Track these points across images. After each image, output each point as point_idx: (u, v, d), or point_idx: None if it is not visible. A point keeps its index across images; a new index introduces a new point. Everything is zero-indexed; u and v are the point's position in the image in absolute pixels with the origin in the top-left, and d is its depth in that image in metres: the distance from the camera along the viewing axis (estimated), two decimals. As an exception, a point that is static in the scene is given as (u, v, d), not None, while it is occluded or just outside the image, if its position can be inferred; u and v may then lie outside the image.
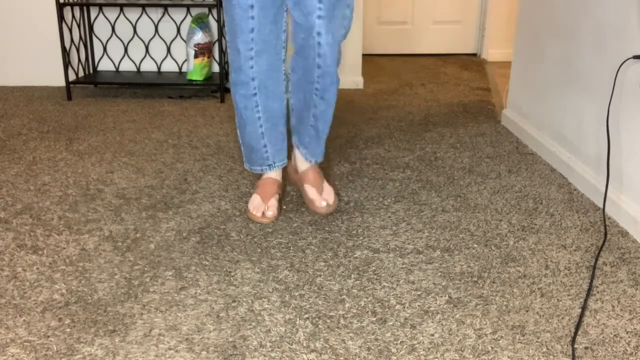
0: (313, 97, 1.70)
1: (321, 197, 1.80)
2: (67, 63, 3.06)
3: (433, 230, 1.72)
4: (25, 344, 1.21)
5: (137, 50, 3.40)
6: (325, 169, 2.16)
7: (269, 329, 1.26)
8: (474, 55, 4.56)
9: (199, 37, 3.13)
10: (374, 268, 1.51)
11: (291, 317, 1.31)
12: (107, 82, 3.16)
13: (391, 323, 1.29)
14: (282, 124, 1.80)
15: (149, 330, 1.25)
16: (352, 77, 3.44)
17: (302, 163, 1.85)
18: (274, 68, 1.71)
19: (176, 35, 3.35)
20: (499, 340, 1.24)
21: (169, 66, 3.43)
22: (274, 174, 1.85)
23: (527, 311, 1.34)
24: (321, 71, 1.64)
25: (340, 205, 1.88)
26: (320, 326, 1.28)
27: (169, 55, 3.40)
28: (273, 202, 1.78)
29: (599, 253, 1.57)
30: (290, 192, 1.97)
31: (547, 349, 1.21)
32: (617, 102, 1.79)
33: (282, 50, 1.72)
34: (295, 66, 1.70)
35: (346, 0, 1.63)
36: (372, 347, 1.21)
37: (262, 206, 1.77)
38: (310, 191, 1.82)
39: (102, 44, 3.38)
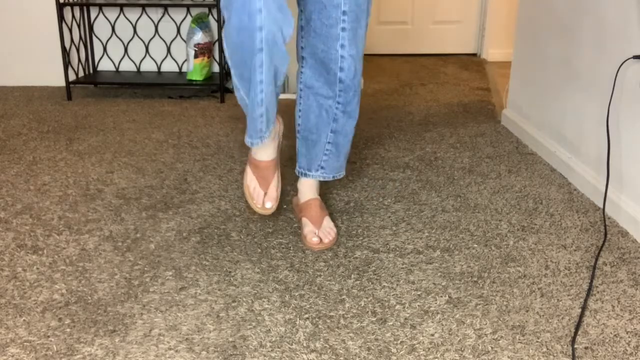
0: (334, 110, 1.60)
1: (316, 233, 1.63)
2: (67, 63, 3.06)
3: (433, 230, 1.72)
4: (25, 344, 1.21)
5: (137, 50, 3.40)
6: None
7: (269, 329, 1.26)
8: (474, 55, 4.56)
9: (199, 37, 3.13)
10: (374, 268, 1.51)
11: (291, 317, 1.31)
12: (107, 82, 3.16)
13: (391, 323, 1.29)
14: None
15: (149, 330, 1.25)
16: (352, 77, 3.43)
17: (306, 193, 1.74)
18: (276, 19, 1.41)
19: (176, 35, 3.35)
20: (499, 340, 1.24)
21: (169, 66, 3.43)
22: (270, 148, 1.60)
23: (527, 311, 1.34)
24: (344, 85, 1.56)
25: (340, 205, 1.88)
26: (320, 326, 1.28)
27: (169, 55, 3.40)
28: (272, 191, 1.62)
29: (599, 253, 1.57)
30: (290, 192, 1.97)
31: (547, 349, 1.21)
32: (617, 102, 1.79)
33: None
34: (308, 82, 1.61)
35: (369, 11, 1.56)
36: (372, 347, 1.21)
37: (261, 194, 1.61)
38: (307, 227, 1.66)
39: (102, 44, 3.38)
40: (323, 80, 1.58)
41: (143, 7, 3.20)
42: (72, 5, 3.06)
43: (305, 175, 1.74)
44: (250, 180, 1.62)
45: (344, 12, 1.49)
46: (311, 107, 1.63)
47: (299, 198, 1.77)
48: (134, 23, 3.34)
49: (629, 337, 1.25)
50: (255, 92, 1.43)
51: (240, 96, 1.50)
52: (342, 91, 1.57)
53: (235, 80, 1.47)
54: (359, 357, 1.18)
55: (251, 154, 1.62)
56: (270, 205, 1.60)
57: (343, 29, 1.50)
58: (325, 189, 1.99)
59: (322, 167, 1.71)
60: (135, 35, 3.37)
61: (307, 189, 1.75)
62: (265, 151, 1.59)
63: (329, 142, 1.66)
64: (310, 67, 1.59)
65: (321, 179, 1.74)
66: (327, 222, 1.68)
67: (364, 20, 1.54)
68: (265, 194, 1.60)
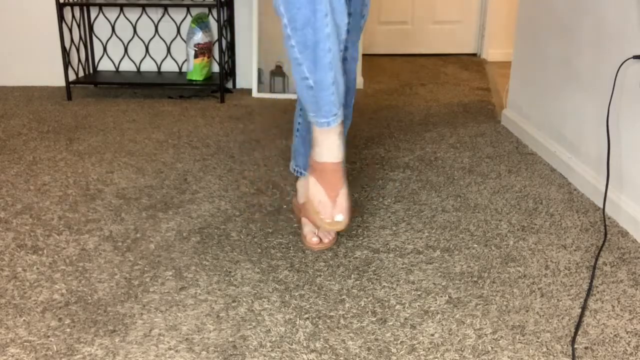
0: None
1: (316, 233, 1.59)
2: (67, 63, 3.06)
3: (433, 230, 1.72)
4: (25, 344, 1.21)
5: (137, 50, 3.40)
6: (325, 169, 2.16)
7: (269, 329, 1.26)
8: (474, 55, 4.56)
9: (199, 37, 3.13)
10: (374, 268, 1.51)
11: (291, 317, 1.31)
12: (107, 82, 3.16)
13: (391, 323, 1.29)
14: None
15: (149, 330, 1.25)
16: (352, 77, 3.44)
17: (304, 194, 1.62)
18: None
19: (176, 35, 3.35)
20: (499, 340, 1.24)
21: (169, 66, 3.43)
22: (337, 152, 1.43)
23: (527, 311, 1.34)
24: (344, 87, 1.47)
25: (340, 205, 1.88)
26: (320, 326, 1.28)
27: (169, 55, 3.40)
28: (341, 201, 1.42)
29: (599, 253, 1.57)
30: (290, 191, 1.97)
31: (547, 349, 1.21)
32: (617, 102, 1.79)
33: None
34: None
35: (363, 12, 1.53)
36: (372, 347, 1.21)
37: (329, 205, 1.41)
38: (306, 227, 1.62)
39: (102, 44, 3.38)
40: None
41: (143, 7, 3.20)
42: (72, 5, 3.06)
43: (302, 174, 1.71)
44: (316, 191, 1.42)
45: (349, 14, 1.44)
46: None
47: (297, 198, 1.76)
48: (134, 23, 3.34)
49: (629, 337, 1.25)
50: (324, 53, 1.29)
51: (302, 76, 1.34)
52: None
53: (297, 54, 1.32)
54: (359, 357, 1.18)
55: (314, 158, 1.44)
56: (341, 218, 1.41)
57: (347, 31, 1.45)
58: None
59: None
60: (135, 35, 3.37)
61: (306, 189, 1.73)
62: (332, 149, 1.41)
63: None
64: None
65: None
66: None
67: (360, 24, 1.55)
68: (335, 204, 1.42)
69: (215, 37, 3.30)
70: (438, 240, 1.65)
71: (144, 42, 3.38)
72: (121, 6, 3.16)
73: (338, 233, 1.68)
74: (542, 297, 1.39)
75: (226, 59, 3.31)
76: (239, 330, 1.26)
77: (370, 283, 1.44)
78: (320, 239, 1.60)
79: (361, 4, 1.53)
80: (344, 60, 1.50)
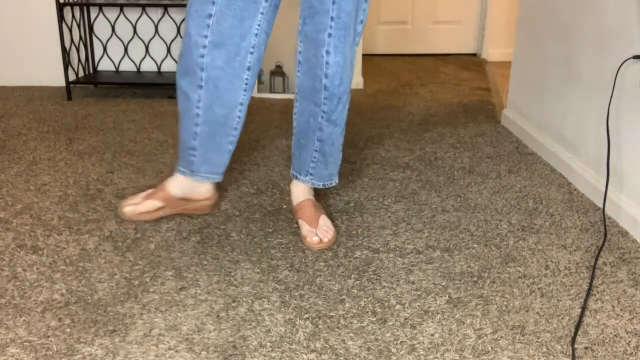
0: (319, 119, 1.59)
1: (315, 233, 1.61)
2: (67, 63, 3.06)
3: (433, 230, 1.72)
4: (25, 344, 1.21)
5: (137, 50, 3.40)
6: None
7: (269, 329, 1.26)
8: (474, 55, 4.56)
9: (199, 37, 3.13)
10: (374, 268, 1.51)
11: (291, 317, 1.31)
12: (107, 82, 3.16)
13: (391, 323, 1.29)
14: (225, 135, 1.63)
15: (149, 330, 1.25)
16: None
17: (297, 196, 1.73)
18: (231, 72, 1.53)
19: (176, 35, 3.35)
20: (499, 340, 1.24)
21: (169, 66, 3.43)
22: (189, 185, 1.69)
23: (527, 311, 1.34)
24: (328, 93, 1.54)
25: (340, 205, 1.88)
26: (320, 326, 1.28)
27: (169, 55, 3.40)
28: (144, 206, 1.67)
29: (599, 253, 1.57)
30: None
31: (547, 349, 1.21)
32: (617, 102, 1.79)
33: (247, 56, 1.52)
34: (301, 86, 1.59)
35: (359, 17, 1.55)
36: (372, 347, 1.21)
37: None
38: (304, 227, 1.64)
39: (102, 44, 3.38)
40: (311, 87, 1.56)
41: (143, 7, 3.20)
42: (72, 5, 3.06)
43: (297, 178, 1.74)
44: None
45: (332, 18, 1.48)
46: (303, 111, 1.63)
47: (292, 200, 1.77)
48: (134, 23, 3.34)
49: (629, 337, 1.25)
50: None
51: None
52: (326, 99, 1.55)
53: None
54: (359, 357, 1.18)
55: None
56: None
57: (329, 35, 1.48)
58: (325, 189, 1.99)
59: (310, 174, 1.71)
60: (135, 35, 3.37)
61: (299, 191, 1.75)
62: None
63: (315, 150, 1.65)
64: (304, 73, 1.58)
65: (310, 185, 1.73)
66: (324, 221, 1.66)
67: (352, 28, 1.52)
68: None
69: (215, 37, 3.30)
70: (438, 240, 1.65)
71: (144, 42, 3.38)
72: (121, 6, 3.16)
73: (338, 232, 1.68)
74: (542, 297, 1.39)
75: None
76: (239, 330, 1.26)
77: (370, 283, 1.44)
78: (320, 239, 1.60)
79: (355, 7, 1.51)
80: (326, 64, 1.52)
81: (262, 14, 1.51)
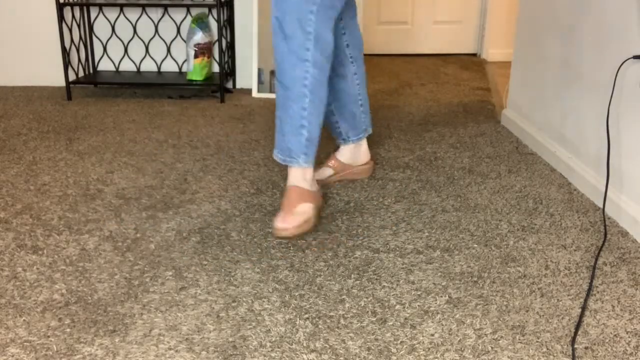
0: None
1: (283, 218, 1.62)
2: (67, 63, 3.06)
3: (433, 230, 1.72)
4: (25, 344, 1.21)
5: (137, 50, 3.40)
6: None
7: (269, 329, 1.26)
8: (474, 55, 4.56)
9: (199, 37, 3.13)
10: (374, 268, 1.51)
11: (291, 317, 1.31)
12: (107, 82, 3.16)
13: (391, 323, 1.29)
14: (353, 101, 1.96)
15: (149, 330, 1.25)
16: (352, 77, 3.44)
17: (289, 179, 1.75)
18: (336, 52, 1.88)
19: (176, 35, 3.35)
20: (499, 340, 1.24)
21: (169, 66, 3.43)
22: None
23: (527, 311, 1.34)
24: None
25: (340, 205, 1.88)
26: (320, 326, 1.28)
27: (169, 55, 3.40)
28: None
29: (599, 253, 1.57)
30: (290, 192, 1.97)
31: (547, 349, 1.21)
32: (617, 102, 1.79)
33: (343, 36, 1.87)
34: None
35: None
36: (372, 347, 1.21)
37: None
38: (279, 213, 1.67)
39: (102, 44, 3.38)
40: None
41: (143, 7, 3.20)
42: (72, 5, 3.06)
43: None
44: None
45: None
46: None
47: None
48: (134, 23, 3.34)
49: (629, 337, 1.25)
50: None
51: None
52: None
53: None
54: (359, 357, 1.18)
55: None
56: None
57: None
58: (325, 189, 1.99)
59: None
60: (135, 35, 3.37)
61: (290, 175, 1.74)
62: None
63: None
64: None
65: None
66: (300, 209, 1.65)
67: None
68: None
69: (215, 37, 3.30)
70: (438, 240, 1.65)
71: (144, 42, 3.38)
72: (121, 6, 3.16)
73: (338, 233, 1.68)
74: (542, 297, 1.39)
75: (226, 59, 3.31)
76: (239, 330, 1.26)
77: (370, 283, 1.44)
78: (286, 228, 1.60)
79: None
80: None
81: None
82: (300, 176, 1.72)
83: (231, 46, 3.36)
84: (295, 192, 1.68)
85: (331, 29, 1.62)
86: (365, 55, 4.40)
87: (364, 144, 2.05)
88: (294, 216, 1.62)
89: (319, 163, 2.21)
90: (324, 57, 1.62)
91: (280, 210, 1.67)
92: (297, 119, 1.64)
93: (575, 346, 1.22)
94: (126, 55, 3.40)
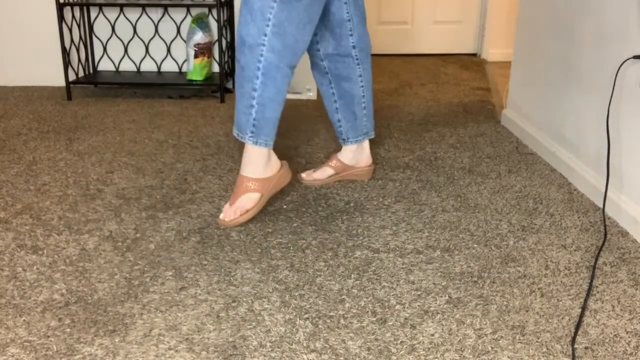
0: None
1: (230, 207, 1.74)
2: (67, 63, 3.06)
3: (433, 230, 1.72)
4: (25, 344, 1.21)
5: (137, 50, 3.40)
6: (325, 169, 2.16)
7: (269, 329, 1.26)
8: (474, 55, 4.56)
9: (199, 37, 3.13)
10: (374, 268, 1.51)
11: (291, 317, 1.31)
12: (107, 82, 3.16)
13: (391, 323, 1.29)
14: (357, 103, 1.99)
15: (149, 330, 1.25)
16: (352, 77, 3.44)
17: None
18: (342, 53, 1.93)
19: (176, 35, 3.35)
20: (499, 340, 1.24)
21: (169, 66, 3.43)
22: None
23: (527, 311, 1.34)
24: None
25: (340, 205, 1.88)
26: (320, 326, 1.28)
27: (169, 55, 3.40)
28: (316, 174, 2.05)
29: (599, 253, 1.57)
30: (290, 192, 1.97)
31: (547, 349, 1.21)
32: (617, 102, 1.79)
33: (349, 37, 1.92)
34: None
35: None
36: (372, 347, 1.21)
37: (311, 173, 2.03)
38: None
39: (102, 44, 3.38)
40: None
41: (143, 7, 3.20)
42: (72, 5, 3.06)
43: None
44: None
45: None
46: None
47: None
48: (134, 23, 3.34)
49: (629, 337, 1.25)
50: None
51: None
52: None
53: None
54: (359, 357, 1.18)
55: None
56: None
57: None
58: (326, 189, 1.99)
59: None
60: (135, 35, 3.37)
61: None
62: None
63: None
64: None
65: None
66: (243, 200, 1.75)
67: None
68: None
69: (215, 37, 3.30)
70: (438, 240, 1.65)
71: (144, 42, 3.38)
72: (121, 6, 3.16)
73: (338, 233, 1.68)
74: (542, 297, 1.39)
75: (226, 59, 3.31)
76: (239, 330, 1.26)
77: (370, 283, 1.44)
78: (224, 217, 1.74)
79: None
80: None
81: None
82: (249, 159, 1.76)
83: (231, 46, 3.36)
84: (240, 183, 1.76)
85: (299, 23, 1.66)
86: (365, 55, 4.39)
87: (366, 147, 2.06)
88: (233, 209, 1.73)
89: (319, 162, 2.21)
90: (283, 45, 1.65)
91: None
92: (247, 99, 1.70)
93: (575, 346, 1.22)
94: (126, 55, 3.40)
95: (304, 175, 2.03)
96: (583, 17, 2.02)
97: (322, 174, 2.03)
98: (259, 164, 1.76)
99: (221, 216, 1.73)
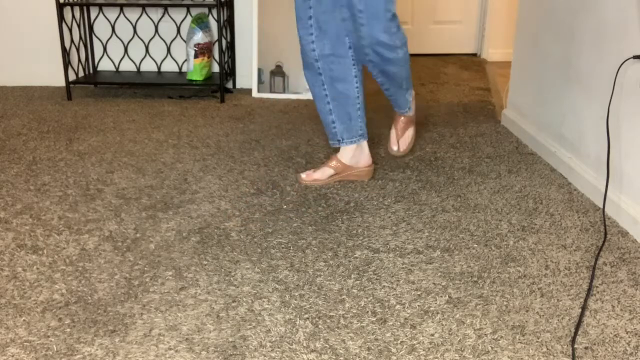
0: (377, 77, 2.01)
1: (396, 141, 2.20)
2: (67, 63, 3.06)
3: (433, 230, 1.72)
4: (25, 344, 1.21)
5: (137, 50, 3.40)
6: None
7: (269, 329, 1.26)
8: (474, 55, 4.56)
9: (199, 37, 3.13)
10: (374, 268, 1.51)
11: (291, 317, 1.31)
12: (107, 82, 3.16)
13: (391, 323, 1.29)
14: (351, 104, 1.99)
15: (149, 330, 1.25)
16: (352, 77, 3.43)
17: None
18: (338, 53, 1.92)
19: (176, 35, 3.35)
20: (499, 340, 1.24)
21: (169, 66, 3.43)
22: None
23: (527, 311, 1.34)
24: (375, 55, 1.89)
25: (340, 205, 1.88)
26: (320, 326, 1.28)
27: (169, 55, 3.40)
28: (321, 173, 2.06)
29: (599, 253, 1.57)
30: (290, 192, 1.97)
31: (547, 349, 1.21)
32: (617, 102, 1.79)
33: (346, 38, 1.90)
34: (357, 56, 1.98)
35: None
36: (372, 347, 1.21)
37: (311, 173, 2.06)
38: (392, 134, 2.23)
39: (102, 44, 3.38)
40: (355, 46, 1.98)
41: (143, 7, 3.20)
42: (72, 5, 3.06)
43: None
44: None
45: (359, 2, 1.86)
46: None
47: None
48: (134, 23, 3.34)
49: (629, 337, 1.25)
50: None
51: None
52: (368, 55, 1.93)
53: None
54: (359, 357, 1.18)
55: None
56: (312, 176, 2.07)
57: (361, 25, 1.88)
58: (326, 189, 1.99)
59: (390, 98, 2.16)
60: (135, 35, 3.37)
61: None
62: None
63: (386, 89, 2.10)
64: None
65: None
66: (409, 133, 2.26)
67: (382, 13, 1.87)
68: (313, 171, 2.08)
69: (215, 37, 3.30)
70: (438, 240, 1.65)
71: (144, 42, 3.38)
72: (121, 6, 3.16)
73: (338, 233, 1.68)
74: (542, 297, 1.39)
75: (226, 59, 3.31)
76: (239, 330, 1.26)
77: (370, 283, 1.44)
78: (399, 148, 2.20)
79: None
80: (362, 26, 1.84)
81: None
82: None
83: (231, 46, 3.36)
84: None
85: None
86: (365, 55, 4.39)
87: (365, 147, 2.06)
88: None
89: (319, 162, 2.21)
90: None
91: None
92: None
93: (575, 346, 1.22)
94: (126, 55, 3.40)
95: (303, 175, 2.04)
96: (583, 17, 2.02)
97: (322, 174, 2.03)
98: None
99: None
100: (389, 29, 1.86)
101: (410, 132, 2.24)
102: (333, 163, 2.05)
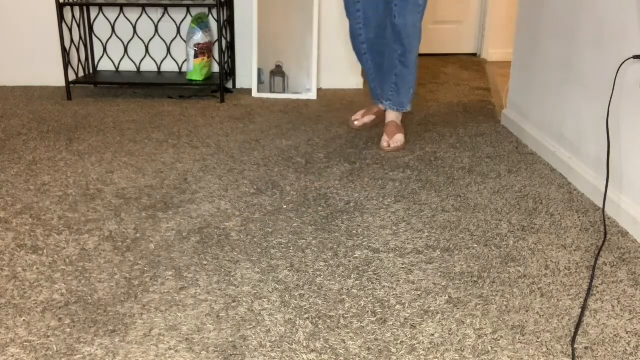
0: (395, 60, 2.35)
1: (387, 141, 2.39)
2: (67, 63, 3.06)
3: (433, 230, 1.72)
4: (25, 344, 1.21)
5: (137, 50, 3.40)
6: (325, 169, 2.16)
7: (269, 329, 1.26)
8: (474, 55, 4.56)
9: (199, 37, 3.13)
10: (374, 268, 1.51)
11: (291, 317, 1.31)
12: (107, 82, 3.16)
13: (391, 323, 1.29)
14: (387, 75, 2.44)
15: (149, 330, 1.25)
16: (352, 77, 3.44)
17: (387, 116, 2.51)
18: (379, 35, 2.42)
19: (176, 35, 3.35)
20: (499, 340, 1.24)
21: (169, 66, 3.43)
22: (381, 106, 2.62)
23: (527, 311, 1.34)
24: (399, 43, 2.30)
25: (340, 205, 1.88)
26: (320, 326, 1.28)
27: (169, 55, 3.40)
28: (365, 119, 2.64)
29: (599, 253, 1.57)
30: (290, 191, 1.97)
31: (547, 349, 1.21)
32: (617, 102, 1.79)
33: (384, 26, 2.40)
34: (388, 38, 2.37)
35: None
36: (372, 347, 1.21)
37: (357, 115, 2.66)
38: (383, 139, 2.41)
39: (102, 44, 3.38)
40: (389, 38, 2.36)
41: (143, 7, 3.20)
42: (72, 5, 3.06)
43: (382, 102, 2.55)
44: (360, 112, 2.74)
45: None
46: (388, 54, 2.40)
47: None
48: (134, 23, 3.34)
49: (629, 337, 1.25)
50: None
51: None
52: (397, 45, 2.33)
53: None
54: (359, 357, 1.18)
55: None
56: (356, 123, 2.66)
57: (396, 5, 2.26)
58: (326, 189, 1.99)
59: (388, 99, 2.48)
60: (135, 35, 3.37)
61: (388, 115, 2.51)
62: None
63: (393, 83, 2.41)
64: (387, 29, 2.39)
65: (389, 109, 2.50)
66: (399, 136, 2.41)
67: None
68: (358, 119, 2.69)
69: (215, 37, 3.30)
70: (438, 240, 1.65)
71: (144, 42, 3.38)
72: (121, 6, 3.16)
73: (338, 233, 1.68)
74: (542, 297, 1.39)
75: (226, 59, 3.31)
76: (239, 330, 1.26)
77: (370, 283, 1.44)
78: (389, 144, 2.39)
79: None
80: (395, 25, 2.29)
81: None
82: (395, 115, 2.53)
83: (231, 46, 3.36)
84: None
85: (352, 19, 2.46)
86: (365, 55, 4.39)
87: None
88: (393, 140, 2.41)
89: (319, 162, 2.21)
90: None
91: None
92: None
93: (575, 346, 1.22)
94: (126, 55, 3.40)
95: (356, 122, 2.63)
96: (583, 17, 2.02)
97: (369, 118, 2.62)
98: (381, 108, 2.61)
99: (385, 144, 2.39)
100: (417, 22, 2.28)
101: (400, 137, 2.44)
102: (375, 110, 2.62)
